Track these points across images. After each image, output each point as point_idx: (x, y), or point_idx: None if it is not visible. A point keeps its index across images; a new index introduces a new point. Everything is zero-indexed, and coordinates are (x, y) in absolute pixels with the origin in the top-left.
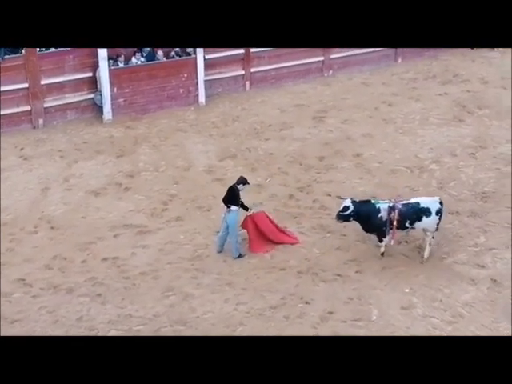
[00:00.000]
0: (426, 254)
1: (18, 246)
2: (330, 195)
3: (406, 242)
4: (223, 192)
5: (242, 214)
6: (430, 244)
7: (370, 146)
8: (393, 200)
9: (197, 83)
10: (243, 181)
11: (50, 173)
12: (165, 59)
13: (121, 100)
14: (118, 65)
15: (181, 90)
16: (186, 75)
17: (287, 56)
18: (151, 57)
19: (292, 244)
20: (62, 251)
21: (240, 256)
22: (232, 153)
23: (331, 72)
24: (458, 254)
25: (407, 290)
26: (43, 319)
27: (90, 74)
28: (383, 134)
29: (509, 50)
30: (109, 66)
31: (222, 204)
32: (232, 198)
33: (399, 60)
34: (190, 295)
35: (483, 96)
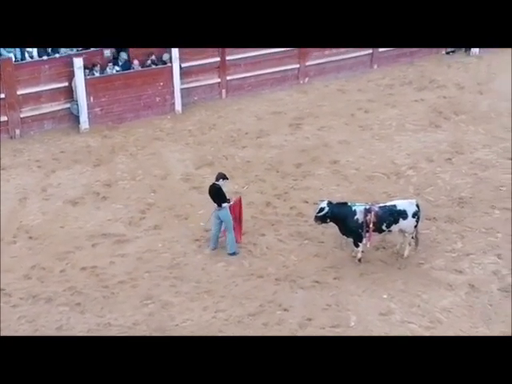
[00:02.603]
0: (406, 253)
1: None
2: (307, 202)
3: (384, 247)
4: (201, 200)
5: None
6: (409, 244)
7: (347, 152)
8: (369, 203)
9: (173, 91)
10: (222, 176)
11: (28, 183)
12: (140, 68)
13: (97, 109)
14: (93, 74)
15: (157, 99)
16: (162, 84)
17: (263, 63)
18: (127, 66)
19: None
20: (41, 261)
21: (234, 254)
22: (209, 161)
23: (307, 79)
24: (435, 260)
25: (385, 296)
26: (23, 329)
27: (66, 84)
28: (360, 140)
29: (484, 55)
30: (85, 75)
31: (213, 204)
32: (220, 196)
33: (375, 66)
34: (168, 303)
35: (459, 101)
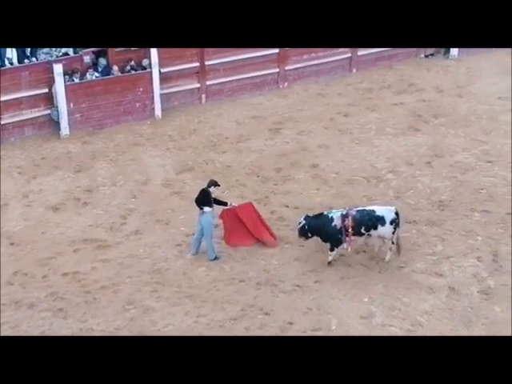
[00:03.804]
0: (387, 258)
1: None
2: (287, 206)
3: (365, 251)
4: (182, 205)
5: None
6: (390, 249)
7: (327, 156)
8: (347, 208)
9: (153, 97)
10: (214, 183)
11: (9, 189)
12: (120, 74)
13: (77, 115)
14: (73, 80)
15: (137, 104)
16: (141, 89)
17: (242, 68)
18: (106, 72)
19: (268, 244)
20: (23, 267)
21: (216, 258)
22: (189, 166)
23: (287, 84)
24: (415, 263)
25: (366, 300)
26: (5, 334)
27: (46, 90)
28: (339, 144)
29: (463, 58)
30: (65, 81)
31: (196, 207)
32: (205, 199)
33: (354, 70)
34: (150, 308)
35: (439, 105)
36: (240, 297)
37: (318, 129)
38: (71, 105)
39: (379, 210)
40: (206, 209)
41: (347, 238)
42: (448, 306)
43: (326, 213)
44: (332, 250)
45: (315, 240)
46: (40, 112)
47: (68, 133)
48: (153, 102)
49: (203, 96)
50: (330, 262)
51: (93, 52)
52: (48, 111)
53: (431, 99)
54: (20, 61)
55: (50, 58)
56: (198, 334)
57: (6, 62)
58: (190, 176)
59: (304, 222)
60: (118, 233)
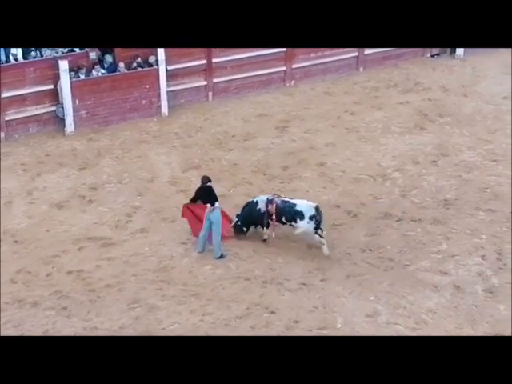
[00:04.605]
0: (324, 251)
1: None
2: None
3: (370, 250)
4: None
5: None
6: (322, 243)
7: (333, 154)
8: (275, 195)
9: (159, 94)
10: (208, 178)
11: (13, 186)
12: (126, 70)
13: (83, 112)
14: (79, 77)
15: (143, 102)
16: (148, 86)
17: (249, 66)
18: (113, 68)
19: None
20: (27, 265)
21: (222, 256)
22: (196, 163)
23: (293, 82)
24: (420, 261)
25: (371, 298)
26: (8, 333)
27: (52, 87)
28: (346, 142)
29: (469, 58)
30: (70, 78)
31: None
32: (211, 195)
33: (361, 69)
34: (155, 307)
35: (444, 104)
36: (246, 295)
37: (325, 127)
38: (77, 101)
39: (300, 205)
40: (217, 204)
41: (271, 223)
42: (453, 304)
43: (252, 199)
44: (263, 229)
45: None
46: (45, 109)
47: (73, 130)
48: (159, 100)
49: (210, 94)
50: (264, 240)
51: (99, 49)
52: (53, 108)
53: (437, 98)
54: (25, 57)
55: (55, 54)
56: (203, 333)
57: (11, 57)
58: (197, 174)
59: (236, 219)
60: (123, 231)
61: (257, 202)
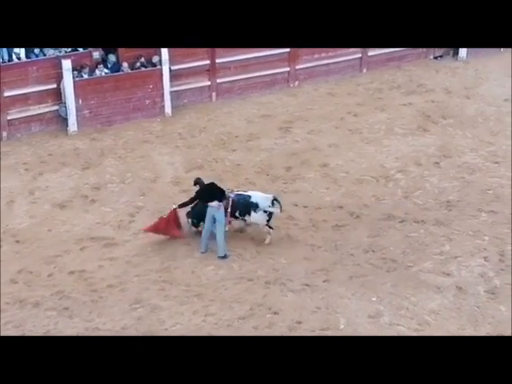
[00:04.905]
0: (267, 241)
1: None
2: (297, 205)
3: (373, 250)
4: None
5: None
6: (269, 233)
7: (337, 155)
8: (229, 190)
9: (163, 94)
10: (201, 180)
11: (15, 186)
12: (130, 70)
13: (86, 112)
14: (82, 76)
15: (147, 101)
16: (151, 86)
17: (253, 67)
18: (116, 68)
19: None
20: (28, 265)
21: (225, 257)
22: (199, 164)
23: (297, 83)
24: (423, 263)
25: (374, 299)
26: (9, 334)
27: (55, 86)
28: (349, 144)
29: (471, 60)
30: (73, 77)
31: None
32: (216, 191)
33: (364, 70)
34: (158, 307)
35: (447, 106)
36: (248, 296)
37: (328, 128)
38: (80, 101)
39: (255, 196)
40: (221, 203)
41: (226, 218)
42: (455, 305)
43: None
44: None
45: (324, 239)
46: (48, 108)
47: (76, 129)
48: (163, 100)
49: (213, 94)
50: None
51: (102, 48)
52: (56, 107)
53: (440, 100)
54: (28, 56)
55: (58, 54)
56: (205, 333)
57: (14, 56)
58: (200, 174)
59: (190, 219)
60: (125, 231)
61: None
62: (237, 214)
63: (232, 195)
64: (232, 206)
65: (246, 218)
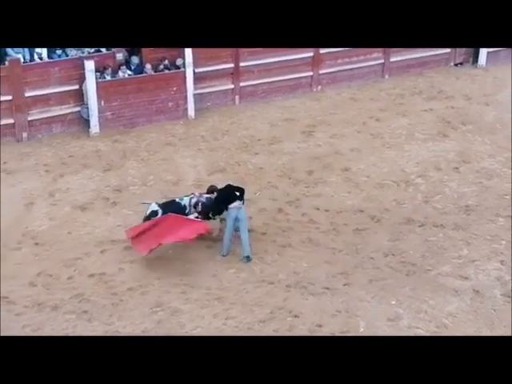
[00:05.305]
0: (214, 234)
1: (0, 262)
2: (318, 209)
3: (393, 254)
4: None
5: None
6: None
7: (358, 160)
8: (197, 194)
9: (186, 97)
10: (214, 186)
11: (35, 187)
12: (153, 72)
13: (108, 113)
14: (104, 77)
15: (170, 104)
16: (175, 88)
17: (277, 71)
18: (139, 70)
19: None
20: (47, 268)
21: (249, 258)
22: (221, 167)
23: (320, 87)
24: (442, 266)
25: (393, 302)
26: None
27: (77, 87)
28: (371, 148)
29: (490, 68)
30: (96, 78)
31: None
32: (233, 191)
33: (386, 76)
34: (178, 310)
35: (467, 112)
36: (269, 299)
37: (351, 132)
38: (102, 102)
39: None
40: (241, 202)
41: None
42: (472, 308)
43: (177, 200)
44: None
45: (345, 243)
46: (69, 109)
47: (98, 131)
48: (186, 102)
49: (237, 97)
50: None
51: (125, 50)
52: (78, 108)
53: (460, 106)
54: (50, 56)
55: (81, 54)
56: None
57: (36, 56)
58: (222, 177)
59: (161, 210)
60: None
61: (184, 206)
62: (210, 215)
63: (202, 199)
64: (202, 208)
65: (222, 216)
